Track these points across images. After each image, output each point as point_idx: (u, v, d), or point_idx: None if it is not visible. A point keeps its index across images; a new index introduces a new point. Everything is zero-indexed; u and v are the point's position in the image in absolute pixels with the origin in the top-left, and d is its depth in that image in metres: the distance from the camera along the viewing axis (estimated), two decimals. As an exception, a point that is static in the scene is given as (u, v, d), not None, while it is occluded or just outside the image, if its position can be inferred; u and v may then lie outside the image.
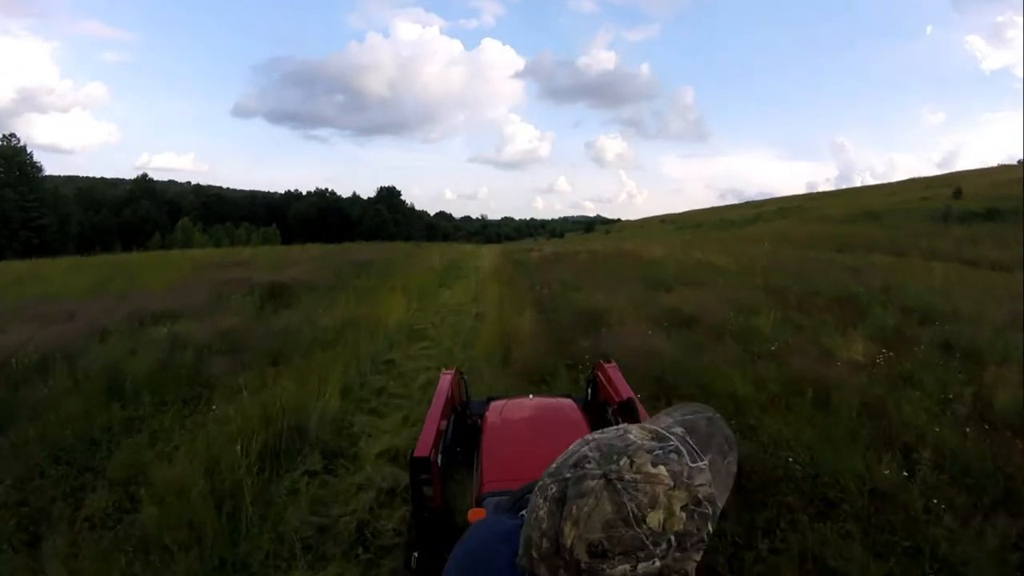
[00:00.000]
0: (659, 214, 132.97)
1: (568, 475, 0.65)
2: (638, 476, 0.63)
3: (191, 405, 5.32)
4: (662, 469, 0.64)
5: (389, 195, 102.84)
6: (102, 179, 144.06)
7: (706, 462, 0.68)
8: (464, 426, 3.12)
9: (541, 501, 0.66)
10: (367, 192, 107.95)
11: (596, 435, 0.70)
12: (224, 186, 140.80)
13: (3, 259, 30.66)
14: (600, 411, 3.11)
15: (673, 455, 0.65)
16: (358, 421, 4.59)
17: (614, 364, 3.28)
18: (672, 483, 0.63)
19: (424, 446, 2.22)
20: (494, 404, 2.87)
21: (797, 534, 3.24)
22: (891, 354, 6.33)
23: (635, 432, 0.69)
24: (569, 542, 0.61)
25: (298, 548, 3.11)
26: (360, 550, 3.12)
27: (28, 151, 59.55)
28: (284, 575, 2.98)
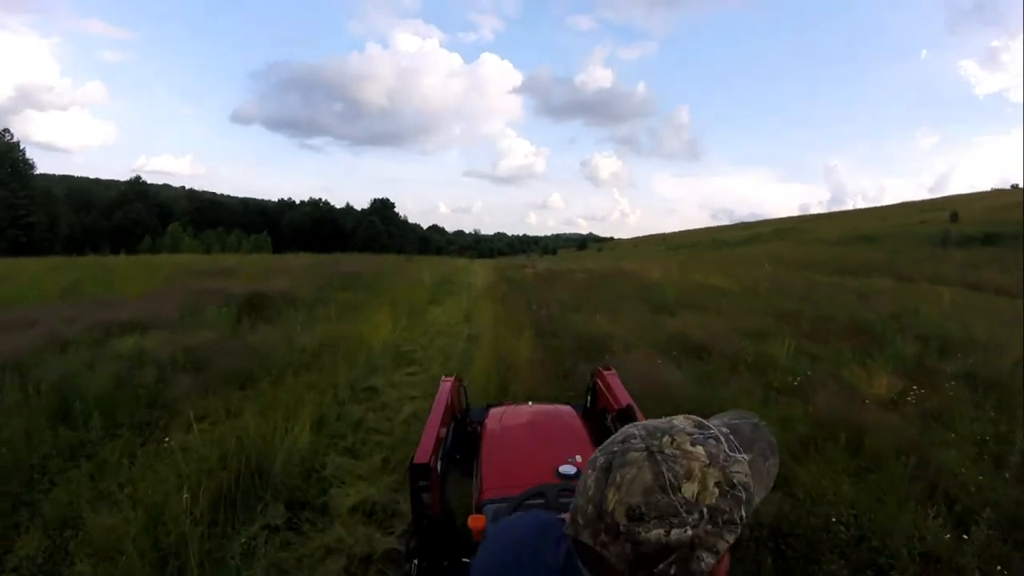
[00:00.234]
0: (652, 233, 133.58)
1: (616, 448, 0.70)
2: (677, 452, 0.68)
3: (145, 432, 4.71)
4: (699, 448, 0.69)
5: (383, 207, 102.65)
6: (96, 180, 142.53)
7: (745, 457, 0.72)
8: (464, 433, 3.01)
9: (590, 471, 0.71)
10: (361, 203, 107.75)
11: (645, 421, 0.76)
12: (219, 192, 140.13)
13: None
14: (599, 418, 3.04)
15: (712, 441, 0.70)
16: (331, 463, 3.94)
17: (613, 371, 3.19)
18: (708, 461, 0.68)
19: (424, 452, 2.17)
20: (494, 411, 2.85)
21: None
22: (921, 391, 5.83)
23: (680, 419, 0.75)
24: (611, 506, 0.66)
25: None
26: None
27: (21, 148, 58.78)
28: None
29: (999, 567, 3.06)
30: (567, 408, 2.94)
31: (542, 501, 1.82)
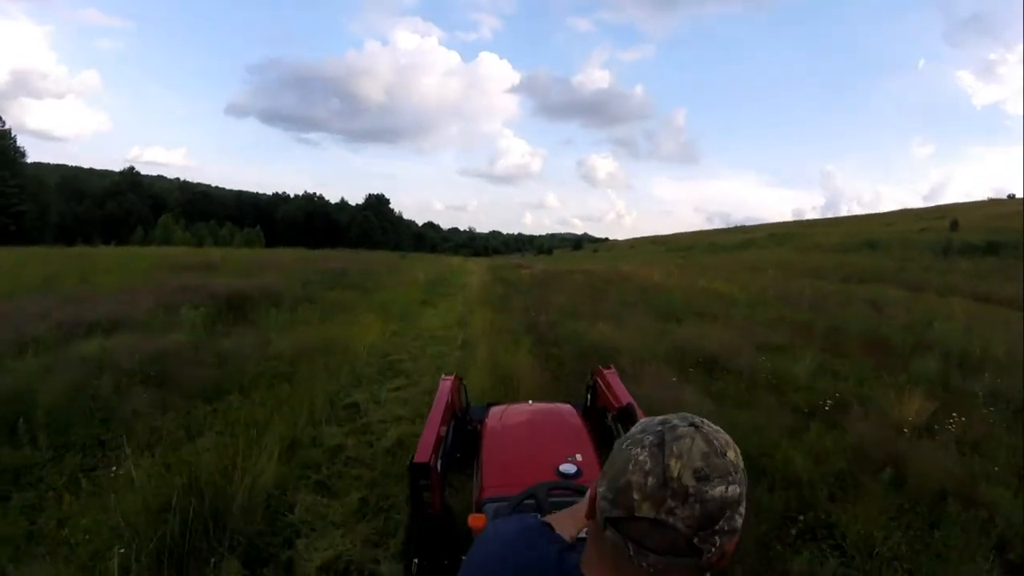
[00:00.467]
0: (647, 235, 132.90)
1: (659, 428, 0.74)
2: (711, 428, 0.75)
3: (96, 454, 4.14)
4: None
5: (378, 202, 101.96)
6: (91, 170, 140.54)
7: None
8: (464, 432, 2.96)
9: (639, 450, 0.72)
10: (356, 199, 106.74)
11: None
12: (213, 184, 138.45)
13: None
14: (599, 417, 3.00)
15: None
16: (301, 501, 3.34)
17: (613, 370, 3.16)
18: (729, 438, 0.75)
19: (424, 451, 2.14)
20: (494, 410, 2.83)
21: None
22: (957, 416, 5.32)
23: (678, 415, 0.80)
24: (676, 473, 0.69)
25: None
26: None
27: (12, 135, 57.58)
28: None
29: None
30: (567, 407, 2.91)
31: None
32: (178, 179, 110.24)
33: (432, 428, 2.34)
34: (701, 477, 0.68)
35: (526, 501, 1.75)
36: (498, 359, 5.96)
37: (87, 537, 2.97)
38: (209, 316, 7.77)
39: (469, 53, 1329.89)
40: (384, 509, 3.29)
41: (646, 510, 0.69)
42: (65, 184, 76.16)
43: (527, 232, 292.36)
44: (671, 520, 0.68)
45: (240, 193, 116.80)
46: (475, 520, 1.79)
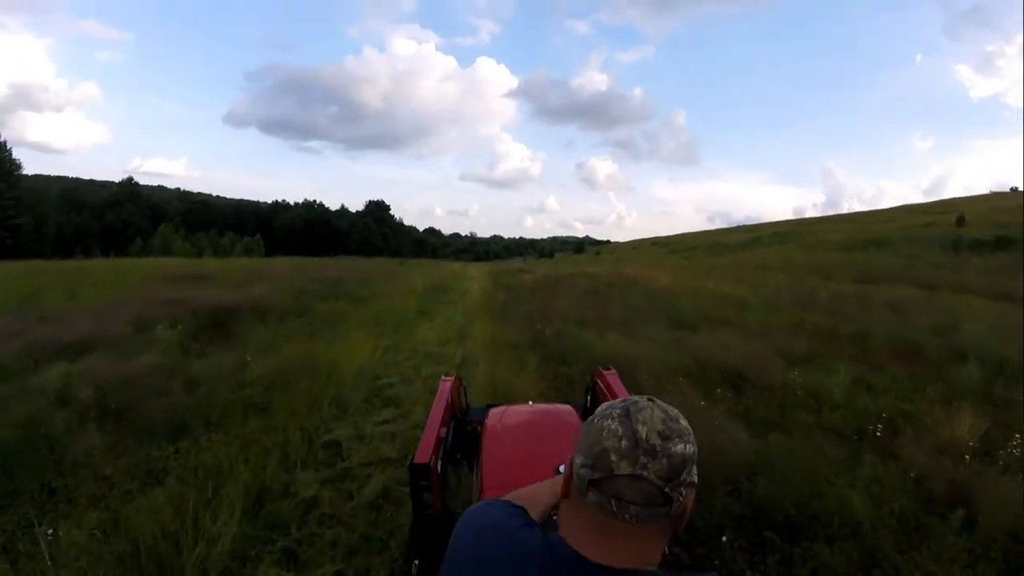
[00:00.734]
0: (648, 236, 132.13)
1: (623, 404, 0.85)
2: (663, 403, 0.86)
3: (41, 506, 3.58)
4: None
5: (378, 209, 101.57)
6: (91, 181, 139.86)
7: None
8: (464, 432, 2.91)
9: (609, 422, 0.83)
10: (357, 205, 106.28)
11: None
12: (214, 193, 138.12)
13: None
14: None
15: None
16: (262, 577, 2.76)
17: (612, 370, 3.16)
18: (677, 411, 0.87)
19: (424, 452, 2.12)
20: (494, 411, 2.80)
21: None
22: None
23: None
24: (644, 434, 0.80)
25: None
26: None
27: (7, 147, 57.19)
28: None
29: None
30: (567, 407, 2.89)
31: None
32: (178, 189, 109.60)
33: (432, 429, 2.33)
34: (664, 436, 0.80)
35: None
36: (500, 381, 5.38)
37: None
38: (188, 334, 7.21)
39: (467, 58, 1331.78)
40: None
41: (624, 468, 0.79)
42: (64, 196, 75.73)
43: (528, 236, 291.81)
44: (645, 473, 0.79)
45: (240, 202, 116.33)
46: None
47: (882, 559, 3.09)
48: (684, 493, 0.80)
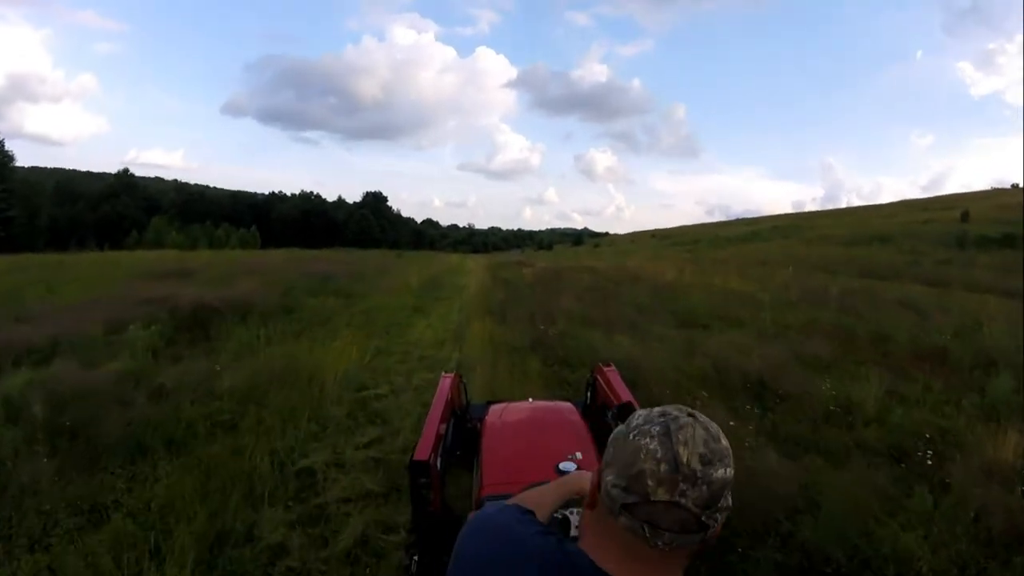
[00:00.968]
0: (647, 229, 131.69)
1: (662, 419, 0.77)
2: (705, 418, 0.78)
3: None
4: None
5: (375, 200, 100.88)
6: (88, 173, 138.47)
7: None
8: (464, 429, 2.85)
9: (647, 440, 0.75)
10: (354, 196, 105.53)
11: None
12: (211, 185, 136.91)
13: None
14: (599, 415, 2.85)
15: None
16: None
17: (613, 367, 3.04)
18: (717, 426, 0.79)
19: (424, 449, 2.09)
20: (494, 408, 2.75)
21: None
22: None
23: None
24: (686, 459, 0.72)
25: None
26: None
27: (-1, 140, 56.33)
28: None
29: None
30: (567, 405, 2.88)
31: None
32: (175, 180, 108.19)
33: (432, 426, 2.31)
34: (706, 461, 0.73)
35: None
36: (499, 387, 4.88)
37: None
38: (163, 335, 6.70)
39: (466, 48, 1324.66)
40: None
41: (661, 495, 0.73)
42: (60, 188, 74.95)
43: (527, 228, 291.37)
44: (684, 501, 0.72)
45: (236, 193, 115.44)
46: None
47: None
48: (719, 519, 0.76)
